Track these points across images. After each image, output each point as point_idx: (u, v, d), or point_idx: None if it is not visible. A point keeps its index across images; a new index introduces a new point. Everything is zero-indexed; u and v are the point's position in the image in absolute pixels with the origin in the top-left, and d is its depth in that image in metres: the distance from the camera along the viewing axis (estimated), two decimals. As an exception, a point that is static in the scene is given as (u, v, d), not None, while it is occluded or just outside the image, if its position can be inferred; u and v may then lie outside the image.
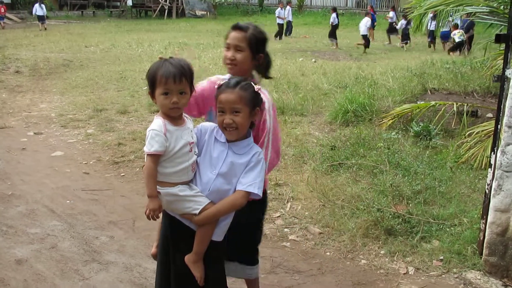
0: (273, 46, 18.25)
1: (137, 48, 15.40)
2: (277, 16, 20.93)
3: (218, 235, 2.35)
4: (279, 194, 4.80)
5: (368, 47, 17.54)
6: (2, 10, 24.52)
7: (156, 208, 2.22)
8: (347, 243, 3.91)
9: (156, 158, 2.20)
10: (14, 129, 7.07)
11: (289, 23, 21.81)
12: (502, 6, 6.85)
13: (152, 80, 2.21)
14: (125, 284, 3.33)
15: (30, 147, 6.28)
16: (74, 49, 15.02)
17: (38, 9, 22.97)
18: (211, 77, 2.62)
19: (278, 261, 3.70)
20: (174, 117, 2.25)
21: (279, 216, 4.39)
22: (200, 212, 2.24)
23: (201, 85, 2.57)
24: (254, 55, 2.51)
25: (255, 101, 2.30)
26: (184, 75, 2.20)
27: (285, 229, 4.18)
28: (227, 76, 2.52)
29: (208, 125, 2.40)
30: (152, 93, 2.25)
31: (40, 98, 9.01)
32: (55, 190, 4.91)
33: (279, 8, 21.13)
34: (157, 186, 2.25)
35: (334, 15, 19.22)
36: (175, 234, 2.36)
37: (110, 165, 5.65)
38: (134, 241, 3.93)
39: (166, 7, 31.83)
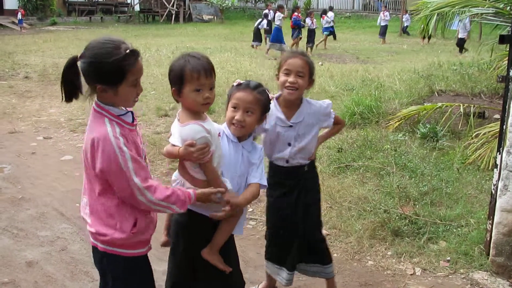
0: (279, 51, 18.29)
1: (144, 53, 15.46)
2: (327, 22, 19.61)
3: (240, 229, 2.43)
4: (286, 196, 4.82)
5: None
6: (20, 14, 25.33)
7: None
8: (354, 244, 3.93)
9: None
10: (24, 133, 7.15)
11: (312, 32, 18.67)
12: (508, 7, 6.86)
13: (180, 77, 2.07)
14: (134, 286, 3.36)
15: (39, 151, 6.35)
16: (82, 55, 15.12)
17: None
18: None
19: (285, 262, 3.71)
20: (200, 113, 2.16)
21: (286, 218, 4.41)
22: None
23: None
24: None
25: (267, 107, 2.38)
26: (212, 69, 2.14)
27: (292, 231, 4.19)
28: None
29: (220, 127, 2.39)
30: (178, 91, 2.11)
31: (49, 103, 9.09)
32: (64, 194, 4.97)
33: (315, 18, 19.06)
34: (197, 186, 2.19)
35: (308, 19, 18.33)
36: (195, 226, 2.32)
37: (119, 168, 5.69)
38: (142, 243, 3.97)
39: (173, 12, 31.99)
